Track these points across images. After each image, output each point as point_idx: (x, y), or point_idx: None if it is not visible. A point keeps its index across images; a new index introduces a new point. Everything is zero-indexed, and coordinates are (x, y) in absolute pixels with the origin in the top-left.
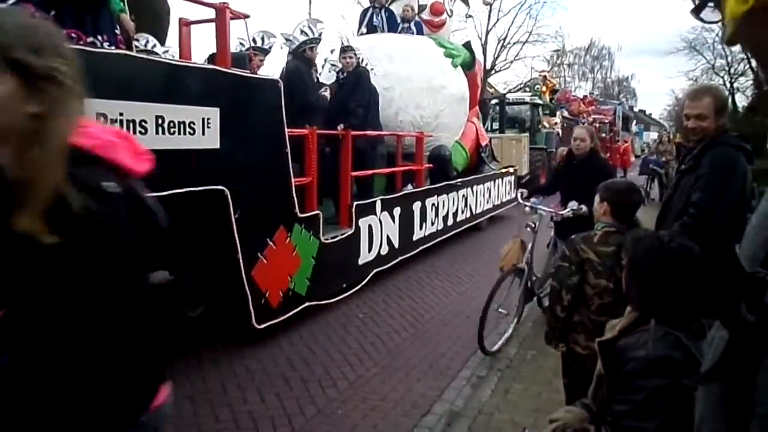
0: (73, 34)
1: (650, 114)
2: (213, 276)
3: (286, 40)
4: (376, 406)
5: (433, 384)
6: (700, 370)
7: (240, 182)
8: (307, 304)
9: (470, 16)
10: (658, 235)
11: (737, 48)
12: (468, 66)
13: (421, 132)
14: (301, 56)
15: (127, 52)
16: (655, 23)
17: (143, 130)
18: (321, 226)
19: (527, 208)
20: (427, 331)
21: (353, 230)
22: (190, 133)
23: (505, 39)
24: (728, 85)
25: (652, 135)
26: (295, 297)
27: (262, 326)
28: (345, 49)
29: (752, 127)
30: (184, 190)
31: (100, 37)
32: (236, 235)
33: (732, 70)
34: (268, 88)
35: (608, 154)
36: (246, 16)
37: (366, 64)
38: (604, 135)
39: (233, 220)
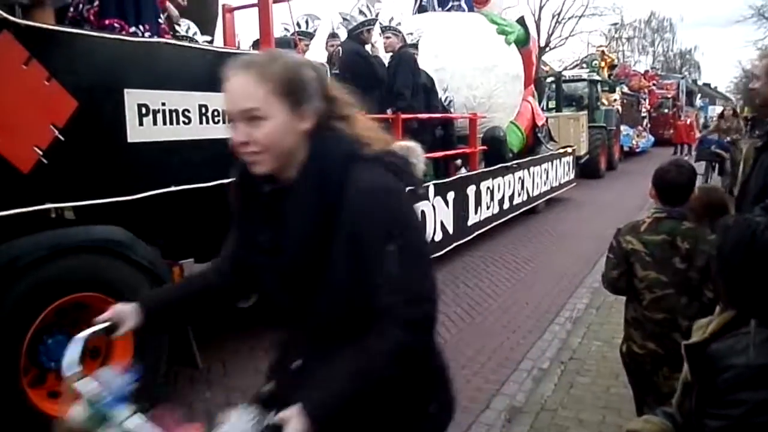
0: (116, 24)
1: (715, 87)
2: None
3: (344, 19)
4: None
5: (492, 377)
6: None
7: None
8: None
9: None
10: (749, 222)
11: None
12: (522, 43)
13: (474, 113)
14: (357, 38)
15: (168, 41)
16: None
17: (187, 120)
18: None
19: None
20: (485, 320)
21: None
22: None
23: (559, 14)
24: None
25: (718, 109)
26: None
27: None
28: (384, 30)
29: None
30: (229, 180)
31: (141, 27)
32: None
33: None
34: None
35: (672, 131)
36: None
37: (417, 43)
38: (666, 111)
39: None
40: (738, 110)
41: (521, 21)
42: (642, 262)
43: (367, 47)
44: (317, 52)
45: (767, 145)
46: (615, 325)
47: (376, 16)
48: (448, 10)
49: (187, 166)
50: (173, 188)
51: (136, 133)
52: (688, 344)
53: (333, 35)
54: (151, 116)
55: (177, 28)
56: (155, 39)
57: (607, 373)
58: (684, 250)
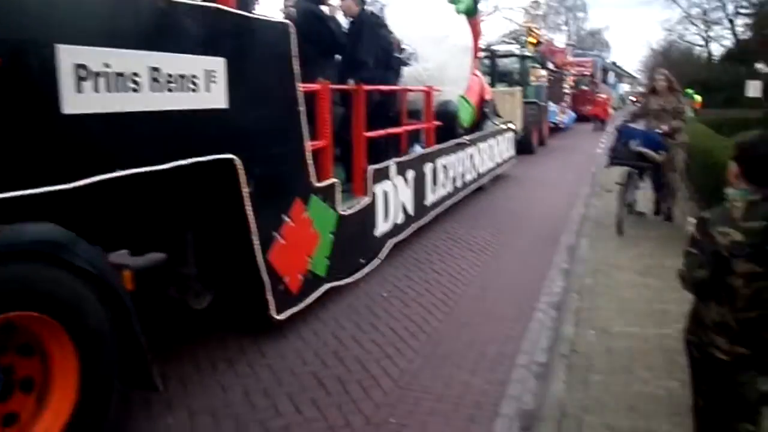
0: None
1: (622, 66)
2: (221, 261)
3: None
4: (433, 409)
5: (491, 376)
6: None
7: (252, 149)
8: (328, 286)
9: None
10: None
11: None
12: (471, 13)
13: (430, 87)
14: None
15: None
16: None
17: (136, 86)
18: (338, 195)
19: None
20: (463, 310)
21: (370, 198)
22: (191, 89)
23: None
24: (704, 34)
25: (625, 87)
26: (315, 279)
27: (283, 316)
28: None
29: (728, 76)
30: (188, 161)
31: None
32: (249, 213)
33: (707, 19)
34: (278, 33)
35: (589, 107)
36: None
37: (379, 7)
38: (585, 87)
39: (245, 194)
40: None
41: None
42: (743, 254)
43: (325, 8)
44: (270, 11)
45: None
46: (605, 311)
47: None
48: None
49: (136, 146)
50: (120, 173)
51: (74, 102)
52: None
53: None
54: (92, 80)
55: None
56: None
57: (618, 368)
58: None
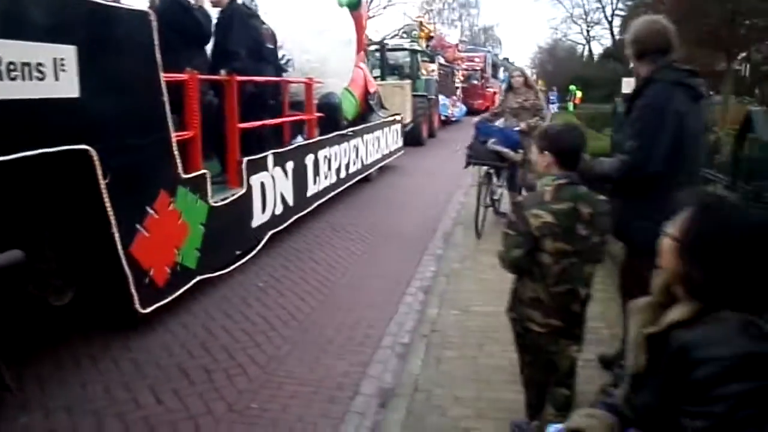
0: None
1: (513, 62)
2: (82, 256)
3: None
4: (295, 392)
5: (355, 359)
6: None
7: (108, 139)
8: (198, 278)
9: None
10: (735, 210)
11: None
12: (354, 6)
13: (310, 78)
14: None
15: None
16: None
17: None
18: (209, 187)
19: None
20: (337, 297)
21: (245, 189)
22: (38, 78)
23: None
24: (585, 33)
25: None
26: (184, 271)
27: (148, 310)
28: None
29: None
30: (36, 152)
31: None
32: (108, 205)
33: (588, 19)
34: (137, 21)
35: (480, 101)
36: None
37: (252, 2)
38: (476, 82)
39: (102, 186)
40: (528, 76)
41: None
42: (553, 234)
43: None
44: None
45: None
46: (467, 293)
47: None
48: None
49: None
50: None
51: None
52: (651, 333)
53: None
54: None
55: None
56: None
57: (471, 343)
58: (587, 215)
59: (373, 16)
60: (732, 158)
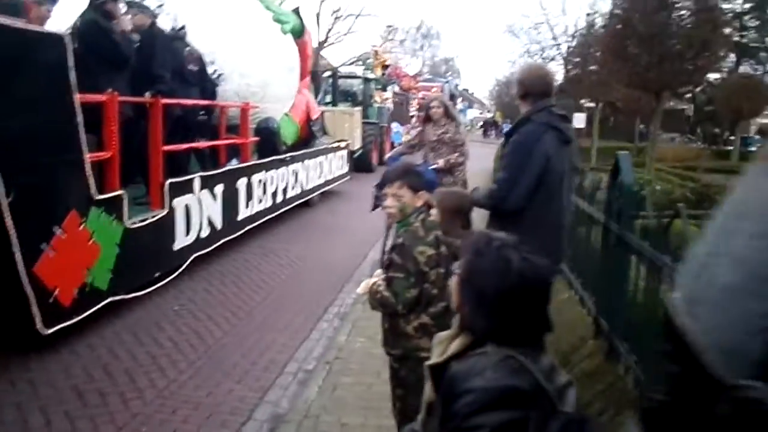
0: None
1: (473, 93)
2: None
3: None
4: (188, 416)
5: (255, 384)
6: (548, 399)
7: (13, 158)
8: (109, 299)
9: None
10: (503, 250)
11: (549, 35)
12: (298, 34)
13: (247, 102)
14: (101, 9)
15: None
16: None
17: None
18: (126, 208)
19: None
20: (254, 321)
21: (166, 211)
22: None
23: (338, 11)
24: None
25: (475, 113)
26: (94, 292)
27: (51, 330)
28: (130, 5)
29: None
30: None
31: None
32: (9, 223)
33: (544, 55)
34: (50, 43)
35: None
36: None
37: (178, 25)
38: None
39: (4, 204)
40: (449, 106)
41: (297, 12)
42: (436, 264)
43: (115, 22)
44: (62, 21)
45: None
46: (378, 321)
47: None
48: None
49: None
50: None
51: None
52: (432, 364)
53: (131, 4)
54: None
55: None
56: None
57: (370, 371)
58: (441, 237)
59: (334, 43)
60: (606, 199)
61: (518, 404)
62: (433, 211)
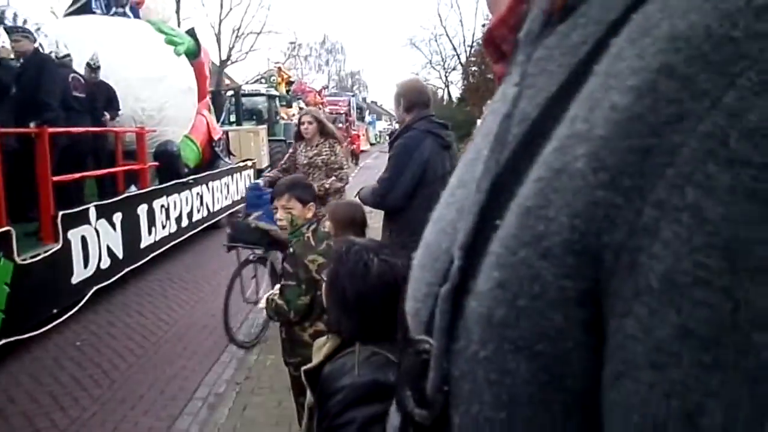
0: None
1: (381, 105)
2: None
3: None
4: None
5: (163, 413)
6: None
7: None
8: (3, 341)
9: None
10: (362, 255)
11: (449, 46)
12: (193, 55)
13: (143, 127)
14: None
15: None
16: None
17: None
18: (15, 244)
19: None
20: (160, 350)
21: (61, 245)
22: None
23: (239, 29)
24: (443, 78)
25: (384, 124)
26: None
27: None
28: (11, 31)
29: (463, 116)
30: None
31: None
32: None
33: (446, 65)
34: None
35: (345, 144)
36: None
37: (61, 51)
38: (341, 125)
39: None
40: (324, 121)
41: (191, 32)
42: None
43: None
44: None
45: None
46: None
47: (2, 14)
48: (112, 15)
49: None
50: None
51: None
52: (307, 369)
53: (14, 30)
54: None
55: None
56: None
57: (279, 388)
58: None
59: (237, 61)
60: None
61: (386, 397)
62: (327, 223)
